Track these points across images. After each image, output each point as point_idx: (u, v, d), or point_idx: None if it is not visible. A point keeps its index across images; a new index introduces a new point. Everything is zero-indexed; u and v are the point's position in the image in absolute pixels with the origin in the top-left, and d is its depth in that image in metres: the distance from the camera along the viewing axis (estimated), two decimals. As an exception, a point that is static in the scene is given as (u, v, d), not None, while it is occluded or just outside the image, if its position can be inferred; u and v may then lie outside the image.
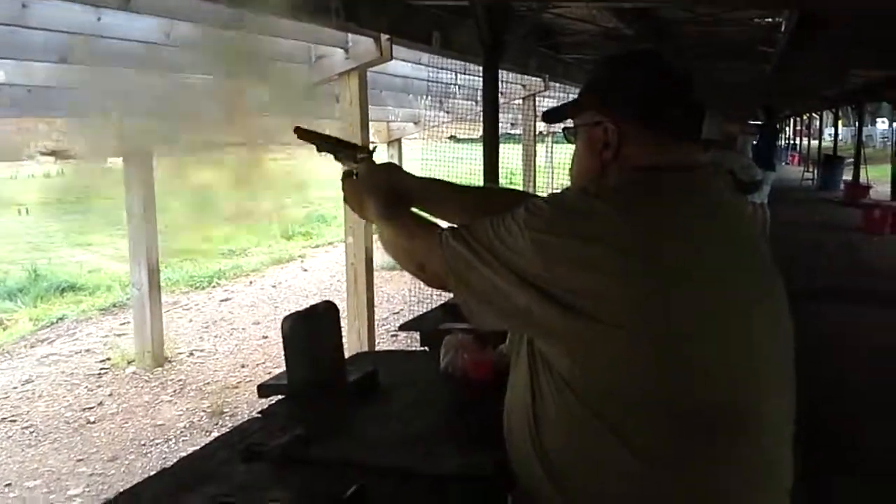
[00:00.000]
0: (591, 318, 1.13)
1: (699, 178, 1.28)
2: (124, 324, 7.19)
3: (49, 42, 3.76)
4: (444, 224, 1.43)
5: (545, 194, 1.67)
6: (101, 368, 6.00)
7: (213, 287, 9.20)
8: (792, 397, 1.28)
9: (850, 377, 4.76)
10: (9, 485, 4.17)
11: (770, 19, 5.66)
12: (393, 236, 1.50)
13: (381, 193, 1.58)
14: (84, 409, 5.18)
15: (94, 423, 4.96)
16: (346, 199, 1.68)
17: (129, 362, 5.99)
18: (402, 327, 3.14)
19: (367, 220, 1.65)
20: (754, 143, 9.69)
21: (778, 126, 15.57)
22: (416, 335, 2.72)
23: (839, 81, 9.99)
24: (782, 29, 5.46)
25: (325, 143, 1.70)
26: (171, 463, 1.53)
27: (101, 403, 5.28)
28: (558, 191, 1.30)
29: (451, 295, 1.36)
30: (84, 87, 4.60)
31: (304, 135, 1.70)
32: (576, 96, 1.42)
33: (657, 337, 1.13)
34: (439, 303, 2.92)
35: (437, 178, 1.83)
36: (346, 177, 1.66)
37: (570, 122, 1.41)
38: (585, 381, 1.17)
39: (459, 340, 2.04)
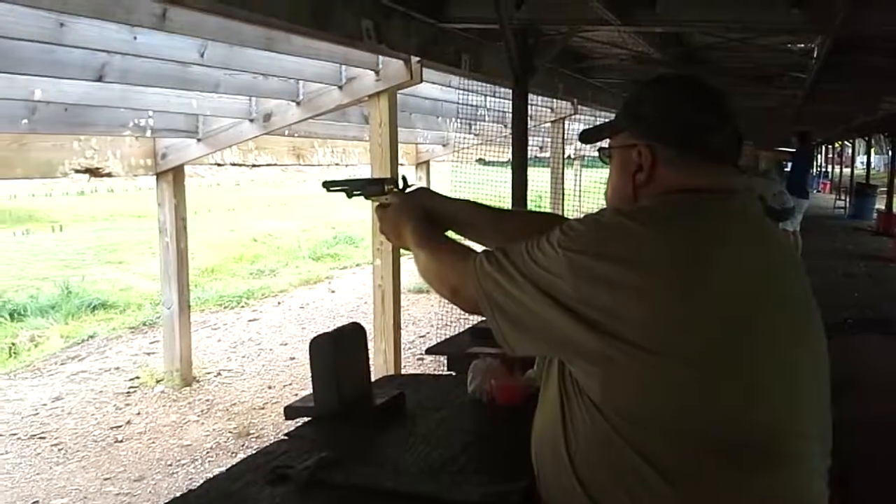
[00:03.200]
0: (623, 340, 1.12)
1: (736, 203, 1.27)
2: (154, 342, 7.25)
3: (85, 60, 3.82)
4: (477, 247, 1.42)
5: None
6: (130, 387, 6.05)
7: (242, 307, 9.27)
8: (828, 431, 1.25)
9: (882, 412, 4.62)
10: (36, 502, 4.20)
11: (802, 45, 5.61)
12: (427, 261, 1.50)
13: (415, 220, 1.59)
14: (112, 428, 5.22)
15: (121, 441, 4.99)
16: (381, 230, 1.70)
17: (157, 381, 6.04)
18: (430, 351, 3.12)
19: (403, 248, 1.66)
20: (786, 170, 9.61)
21: (812, 153, 15.42)
22: (443, 359, 2.71)
23: (872, 109, 9.87)
24: (815, 55, 5.41)
25: (353, 188, 1.75)
26: (197, 484, 1.53)
27: (129, 422, 5.31)
28: (593, 212, 1.29)
29: (479, 318, 1.35)
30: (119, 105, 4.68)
31: (332, 185, 1.76)
32: (605, 120, 1.42)
33: (690, 362, 1.12)
34: (466, 326, 2.91)
35: (470, 199, 1.82)
36: (380, 208, 1.68)
37: (605, 144, 1.40)
38: (616, 405, 1.16)
39: (487, 365, 2.02)
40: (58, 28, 3.30)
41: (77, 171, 5.18)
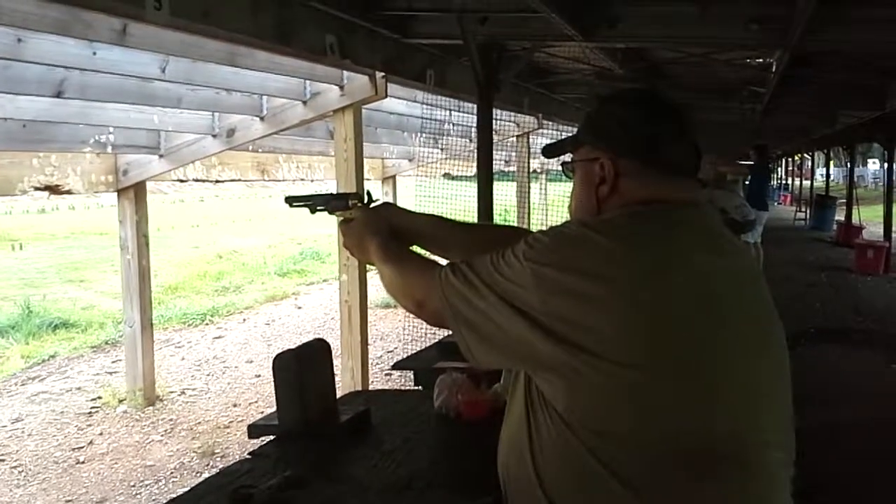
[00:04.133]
0: (587, 352, 1.12)
1: (698, 214, 1.28)
2: (116, 361, 7.13)
3: (44, 76, 3.76)
4: (442, 261, 1.42)
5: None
6: (92, 407, 5.93)
7: (206, 324, 9.15)
8: (791, 440, 1.26)
9: (846, 421, 4.69)
10: (-5, 526, 4.10)
11: (761, 60, 5.72)
12: (392, 275, 1.49)
13: (380, 234, 1.58)
14: (74, 449, 5.10)
15: (83, 462, 4.88)
16: (346, 245, 1.69)
17: (120, 401, 5.92)
18: (396, 366, 3.11)
19: (367, 263, 1.65)
20: (746, 182, 9.75)
21: (770, 166, 15.70)
22: (411, 374, 2.70)
23: (830, 122, 10.08)
24: (773, 70, 5.51)
25: (316, 203, 1.74)
26: (159, 505, 1.50)
27: (91, 443, 5.21)
28: (557, 224, 1.29)
29: (446, 333, 1.34)
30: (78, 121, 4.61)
31: (295, 201, 1.76)
32: (569, 134, 1.43)
33: (653, 373, 1.12)
34: (433, 341, 2.90)
35: (435, 214, 1.82)
36: (344, 223, 1.67)
37: (568, 157, 1.41)
38: (581, 416, 1.15)
39: (453, 380, 2.01)
40: (15, 43, 3.24)
41: (36, 189, 5.08)
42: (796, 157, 27.38)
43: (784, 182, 30.39)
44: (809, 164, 25.39)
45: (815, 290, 9.18)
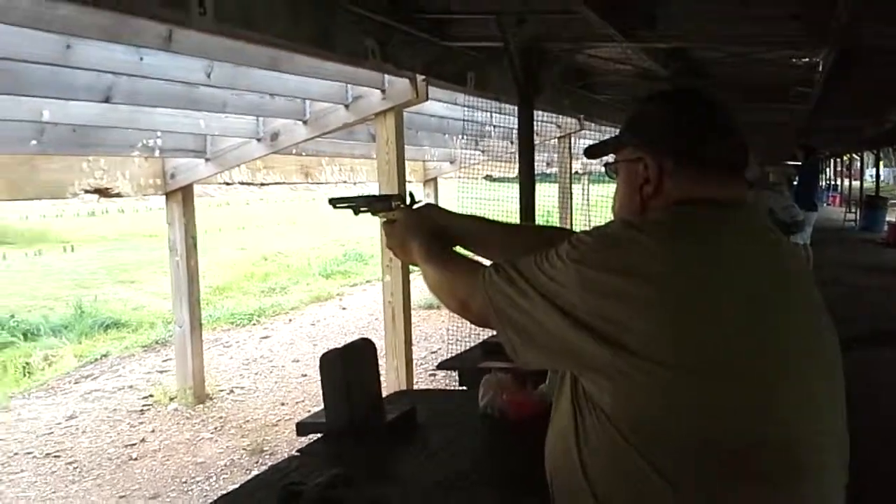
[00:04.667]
0: (631, 352, 1.12)
1: (745, 213, 1.27)
2: (166, 360, 7.28)
3: (92, 82, 3.86)
4: (485, 262, 1.43)
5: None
6: (144, 405, 6.07)
7: (254, 325, 9.29)
8: (844, 444, 1.23)
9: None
10: (52, 521, 4.21)
11: (807, 59, 5.62)
12: (436, 276, 1.50)
13: (422, 235, 1.59)
14: (127, 446, 5.23)
15: (136, 459, 5.00)
16: (389, 246, 1.70)
17: (170, 399, 6.05)
18: (441, 366, 3.12)
19: (411, 264, 1.67)
20: (795, 183, 9.58)
21: (818, 166, 15.40)
22: (455, 374, 2.71)
23: (879, 122, 9.86)
24: (820, 68, 5.42)
25: (359, 204, 1.76)
26: (211, 502, 1.54)
27: (143, 440, 5.33)
28: (601, 224, 1.29)
29: (490, 333, 1.35)
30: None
31: (339, 202, 1.77)
32: (611, 135, 1.43)
33: (700, 374, 1.11)
34: (478, 342, 2.91)
35: (477, 215, 1.83)
36: (387, 224, 1.69)
37: (611, 158, 1.41)
38: (628, 418, 1.15)
39: (499, 380, 2.02)
40: (64, 50, 3.32)
41: (87, 192, 5.22)
42: (845, 158, 26.79)
43: (833, 183, 29.75)
44: (858, 164, 24.80)
45: (866, 292, 8.96)
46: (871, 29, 3.71)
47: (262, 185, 7.37)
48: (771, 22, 3.81)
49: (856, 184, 22.27)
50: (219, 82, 4.17)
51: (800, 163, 10.22)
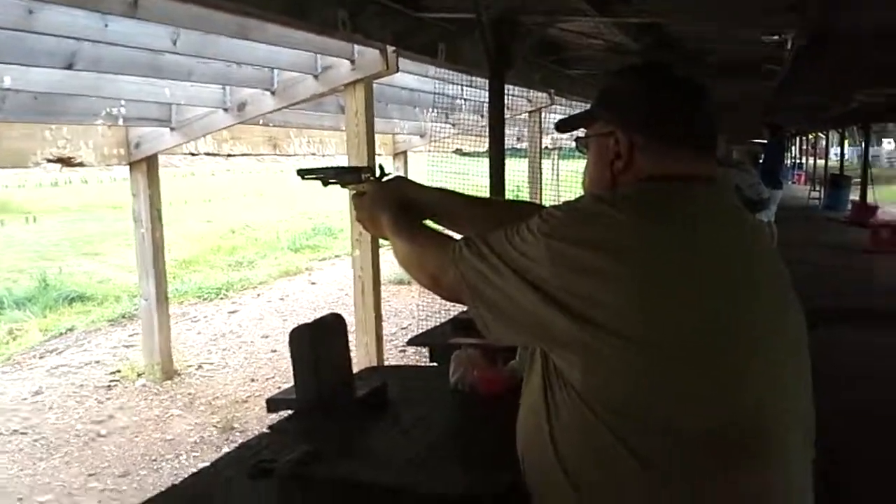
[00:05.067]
0: (602, 328, 1.12)
1: (714, 190, 1.27)
2: (133, 335, 7.19)
3: (55, 48, 3.76)
4: (456, 236, 1.42)
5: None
6: (111, 380, 5.99)
7: (221, 299, 9.21)
8: (811, 421, 1.25)
9: (867, 400, 4.65)
10: (21, 499, 4.15)
11: (776, 37, 5.65)
12: (405, 250, 1.49)
13: (392, 208, 1.58)
14: (94, 422, 5.17)
15: (104, 436, 4.94)
16: (358, 219, 1.69)
17: (138, 374, 5.99)
18: (411, 342, 3.11)
19: (380, 237, 1.65)
20: (760, 161, 9.67)
21: (784, 144, 15.57)
22: (425, 350, 2.70)
23: (845, 101, 9.98)
24: (788, 46, 5.45)
25: (328, 175, 1.74)
26: (182, 479, 1.52)
27: (111, 416, 5.27)
28: (572, 199, 1.28)
29: (461, 309, 1.34)
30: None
31: (307, 173, 1.76)
32: (582, 110, 1.41)
33: (668, 350, 1.11)
34: (448, 317, 2.90)
35: (447, 188, 1.81)
36: (356, 196, 1.67)
37: (581, 133, 1.40)
38: (597, 394, 1.15)
39: (469, 356, 2.02)
40: (27, 15, 3.24)
41: (49, 161, 5.11)
42: (810, 136, 27.15)
43: (798, 161, 30.15)
44: (824, 143, 25.15)
45: (830, 270, 9.12)
46: (846, 12, 3.73)
47: (229, 156, 7.28)
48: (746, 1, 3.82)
49: (820, 162, 22.61)
50: (185, 50, 4.09)
51: (765, 141, 10.32)
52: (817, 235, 12.20)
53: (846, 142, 22.53)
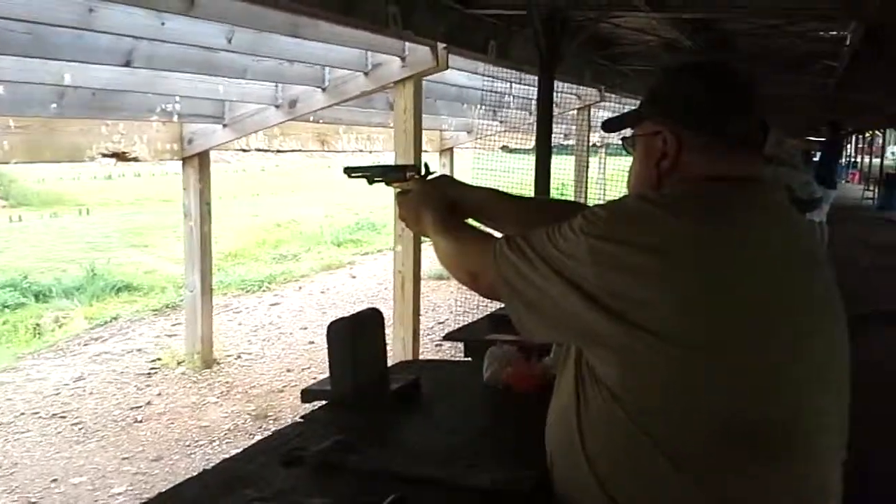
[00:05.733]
0: (641, 328, 1.11)
1: (761, 190, 1.25)
2: (176, 325, 7.33)
3: (113, 46, 3.84)
4: (498, 235, 1.41)
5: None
6: (151, 368, 6.12)
7: (264, 291, 9.33)
8: (845, 425, 1.23)
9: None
10: (55, 480, 4.25)
11: (834, 33, 5.52)
12: (447, 248, 1.50)
13: (435, 207, 1.59)
14: (132, 408, 5.28)
15: (141, 422, 5.05)
16: (401, 217, 1.70)
17: (178, 363, 6.10)
18: (447, 337, 3.13)
19: (423, 234, 1.66)
20: (815, 159, 9.46)
21: (841, 143, 15.20)
22: (461, 345, 2.70)
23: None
24: (847, 43, 5.31)
25: (374, 174, 1.75)
26: (213, 464, 1.54)
27: (149, 403, 5.38)
28: (616, 198, 1.27)
29: (497, 306, 1.34)
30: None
31: (353, 171, 1.78)
32: (631, 108, 1.40)
33: (710, 351, 1.10)
34: (485, 313, 2.89)
35: (492, 187, 1.82)
36: (401, 194, 1.69)
37: (628, 132, 1.39)
38: (632, 394, 1.14)
39: (504, 352, 2.01)
40: (87, 14, 3.32)
41: (104, 156, 5.24)
42: (866, 135, 26.45)
43: (853, 160, 29.43)
44: (880, 141, 24.48)
45: (881, 272, 8.86)
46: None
47: (279, 151, 7.38)
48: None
49: (876, 161, 22.02)
50: (239, 48, 4.16)
51: (823, 139, 10.08)
52: (870, 236, 11.88)
53: (904, 142, 21.90)
